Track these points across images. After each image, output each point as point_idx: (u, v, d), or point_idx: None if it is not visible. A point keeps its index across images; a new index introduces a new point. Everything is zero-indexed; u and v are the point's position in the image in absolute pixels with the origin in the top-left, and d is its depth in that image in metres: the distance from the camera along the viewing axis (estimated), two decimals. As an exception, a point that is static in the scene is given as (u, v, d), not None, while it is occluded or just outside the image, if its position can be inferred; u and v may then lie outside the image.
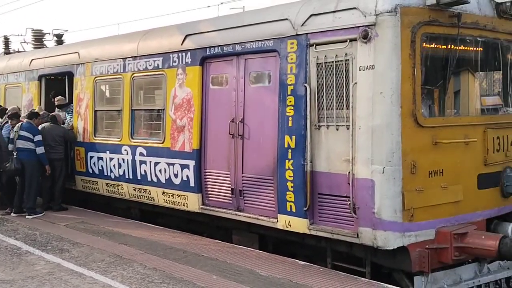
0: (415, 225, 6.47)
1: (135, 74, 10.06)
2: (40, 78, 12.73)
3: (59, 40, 16.14)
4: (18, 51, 16.08)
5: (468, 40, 7.04)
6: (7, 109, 12.09)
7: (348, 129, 6.74)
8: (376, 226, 6.44)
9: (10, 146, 10.84)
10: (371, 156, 6.48)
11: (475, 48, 7.21)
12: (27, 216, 10.62)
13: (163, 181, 9.38)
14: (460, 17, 6.71)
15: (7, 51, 16.39)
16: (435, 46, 6.82)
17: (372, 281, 6.66)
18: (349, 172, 6.68)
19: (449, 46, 6.85)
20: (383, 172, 6.39)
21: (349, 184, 6.68)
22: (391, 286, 6.45)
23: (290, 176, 7.32)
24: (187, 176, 8.90)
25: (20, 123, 10.98)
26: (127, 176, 10.16)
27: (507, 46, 7.54)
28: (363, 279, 6.71)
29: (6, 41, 16.66)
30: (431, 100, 6.90)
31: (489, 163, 7.12)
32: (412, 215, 6.43)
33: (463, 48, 7.01)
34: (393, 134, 6.39)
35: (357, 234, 6.63)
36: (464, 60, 7.16)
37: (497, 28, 7.27)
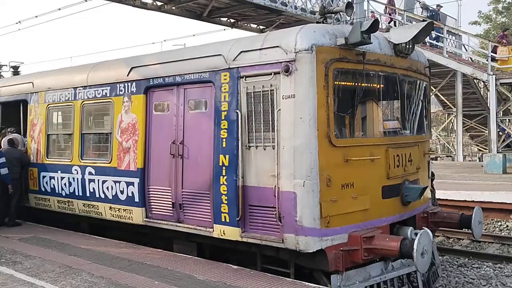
0: (331, 230, 6.60)
1: (85, 102, 9.80)
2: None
3: (16, 71, 15.48)
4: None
5: (371, 74, 7.33)
6: None
7: (273, 148, 6.84)
8: (299, 232, 6.53)
9: None
10: (293, 172, 6.59)
11: (377, 81, 7.52)
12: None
13: (110, 197, 9.12)
14: (365, 55, 6.99)
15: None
16: (345, 79, 7.07)
17: (296, 280, 6.71)
18: (275, 186, 6.75)
19: (356, 79, 7.11)
20: (303, 186, 6.51)
21: (275, 196, 6.74)
22: (312, 284, 6.52)
23: (224, 191, 7.30)
24: (132, 192, 8.70)
25: None
26: (77, 193, 9.81)
27: (403, 79, 7.92)
28: (288, 279, 6.76)
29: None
30: (342, 124, 7.10)
31: (391, 177, 7.39)
32: (328, 222, 6.56)
33: (368, 81, 7.29)
34: (311, 153, 6.54)
35: (283, 240, 6.69)
36: (369, 91, 7.42)
37: (395, 64, 7.63)
